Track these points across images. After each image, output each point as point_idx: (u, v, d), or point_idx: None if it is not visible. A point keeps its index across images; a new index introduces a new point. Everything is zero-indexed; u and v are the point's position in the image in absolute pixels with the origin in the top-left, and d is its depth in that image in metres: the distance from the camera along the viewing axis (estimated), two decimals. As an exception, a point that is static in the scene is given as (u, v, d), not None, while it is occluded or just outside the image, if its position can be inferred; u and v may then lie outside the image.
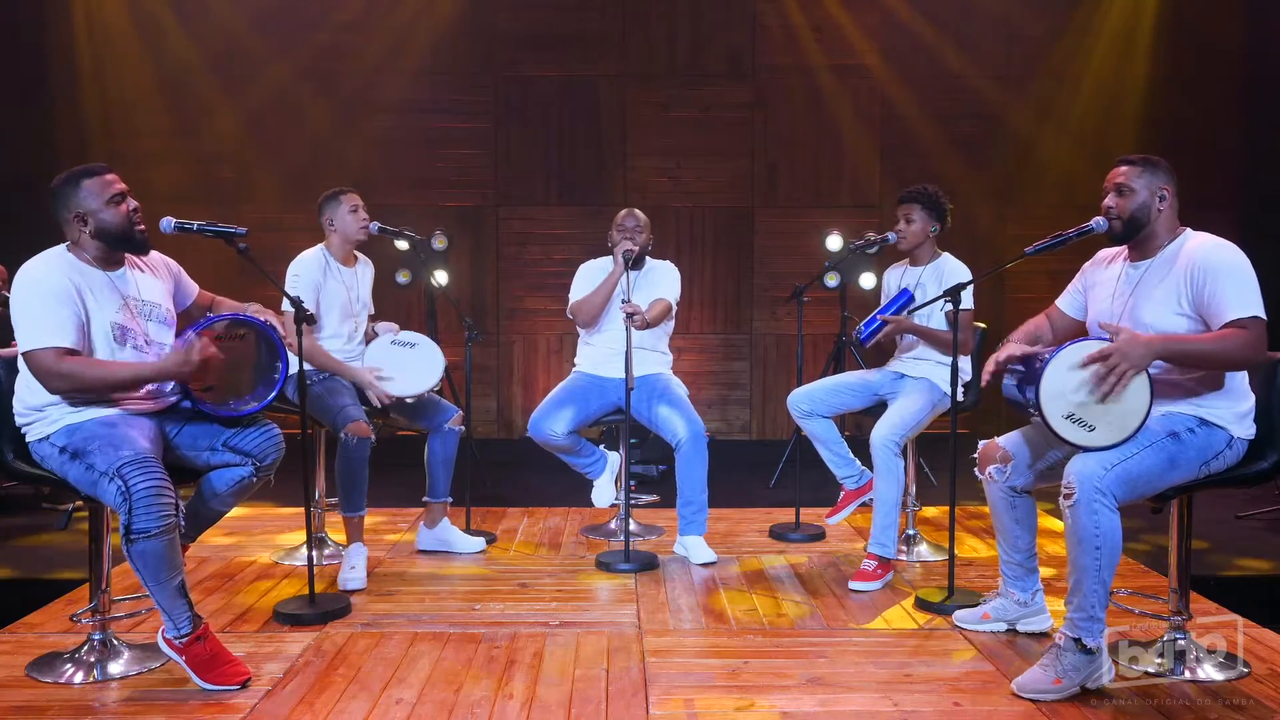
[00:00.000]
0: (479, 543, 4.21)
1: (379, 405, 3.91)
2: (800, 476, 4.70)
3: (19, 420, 2.86)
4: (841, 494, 4.11)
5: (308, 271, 3.91)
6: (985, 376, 3.00)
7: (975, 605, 3.33)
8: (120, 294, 2.90)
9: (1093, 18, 7.40)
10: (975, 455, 3.13)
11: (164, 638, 2.80)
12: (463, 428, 4.11)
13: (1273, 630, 3.20)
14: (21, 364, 2.80)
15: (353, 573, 3.71)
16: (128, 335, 2.89)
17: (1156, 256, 2.87)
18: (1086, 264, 3.15)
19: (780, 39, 7.40)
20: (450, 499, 4.16)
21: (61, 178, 2.87)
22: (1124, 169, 2.92)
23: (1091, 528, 2.65)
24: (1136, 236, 2.89)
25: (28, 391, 2.82)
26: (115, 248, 2.90)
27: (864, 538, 4.38)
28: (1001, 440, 3.08)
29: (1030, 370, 2.82)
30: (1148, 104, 7.36)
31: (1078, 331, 3.09)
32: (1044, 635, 3.15)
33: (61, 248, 2.89)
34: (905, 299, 3.83)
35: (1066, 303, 3.16)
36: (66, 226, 2.87)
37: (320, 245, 4.03)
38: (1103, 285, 3.01)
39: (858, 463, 4.06)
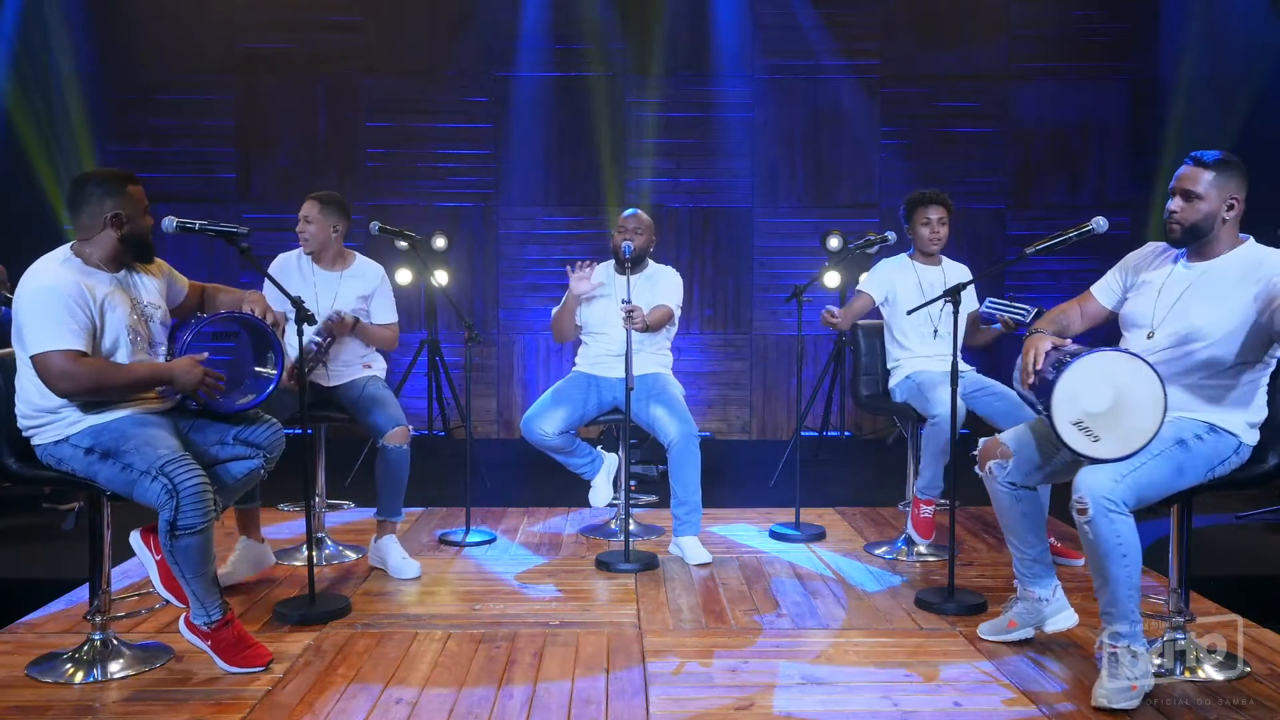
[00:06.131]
0: (414, 568, 3.86)
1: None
2: (800, 476, 4.69)
3: (25, 423, 2.83)
4: (925, 508, 4.07)
5: (274, 270, 3.95)
6: (1029, 371, 2.74)
7: (996, 615, 3.15)
8: (130, 296, 2.91)
9: (1093, 17, 7.41)
10: (975, 453, 3.06)
11: (188, 623, 2.85)
12: (405, 444, 3.87)
13: (1273, 630, 3.20)
14: (25, 366, 2.77)
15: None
16: (137, 338, 2.90)
17: (1217, 260, 2.75)
18: (1132, 256, 2.99)
19: (780, 39, 7.39)
20: (399, 517, 3.95)
21: (99, 176, 2.85)
22: (1194, 171, 2.70)
23: (1113, 539, 2.58)
24: (1194, 245, 2.76)
25: (38, 394, 2.78)
26: (134, 254, 2.93)
27: (865, 537, 4.38)
28: (1003, 436, 3.01)
29: (1051, 368, 2.68)
30: (1150, 103, 7.37)
31: (1106, 321, 3.04)
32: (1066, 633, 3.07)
33: (66, 251, 2.85)
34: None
35: (1103, 292, 3.01)
36: (89, 224, 2.81)
37: None
38: (1150, 283, 2.87)
39: None
